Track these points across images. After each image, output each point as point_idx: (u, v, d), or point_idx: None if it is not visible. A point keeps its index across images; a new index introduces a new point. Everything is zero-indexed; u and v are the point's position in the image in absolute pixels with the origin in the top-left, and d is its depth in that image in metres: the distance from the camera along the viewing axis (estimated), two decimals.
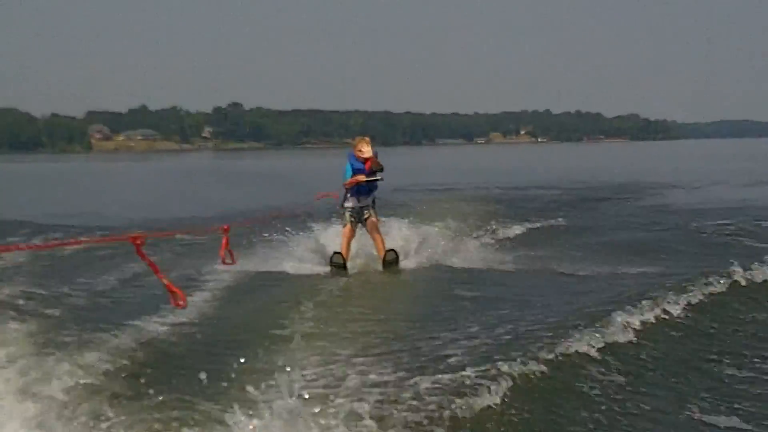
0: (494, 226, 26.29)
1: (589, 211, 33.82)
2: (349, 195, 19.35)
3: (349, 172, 19.05)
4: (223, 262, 15.19)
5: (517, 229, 26.47)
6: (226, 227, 15.01)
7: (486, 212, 30.58)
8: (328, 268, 18.78)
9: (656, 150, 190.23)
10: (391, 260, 18.88)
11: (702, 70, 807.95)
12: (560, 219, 29.91)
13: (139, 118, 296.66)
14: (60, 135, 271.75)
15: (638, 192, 45.07)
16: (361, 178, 18.95)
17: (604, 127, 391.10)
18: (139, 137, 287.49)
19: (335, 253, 18.84)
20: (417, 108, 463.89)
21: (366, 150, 18.97)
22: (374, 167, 18.92)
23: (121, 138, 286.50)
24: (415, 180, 58.38)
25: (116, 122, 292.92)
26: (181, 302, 9.56)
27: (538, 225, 28.04)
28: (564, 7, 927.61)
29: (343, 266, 18.66)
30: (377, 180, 19.16)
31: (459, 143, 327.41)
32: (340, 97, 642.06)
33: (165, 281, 9.50)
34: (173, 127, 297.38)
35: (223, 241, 14.72)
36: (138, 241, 9.14)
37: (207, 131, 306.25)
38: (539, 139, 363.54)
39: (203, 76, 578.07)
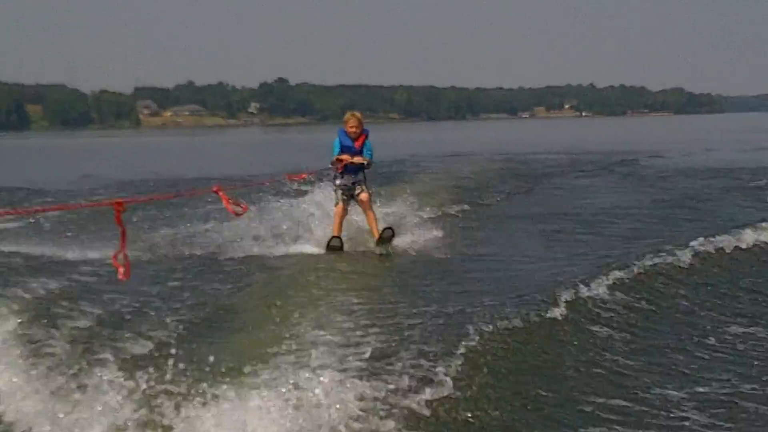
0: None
1: (546, 190, 33.78)
2: (338, 172, 18.88)
3: (337, 149, 18.73)
4: (236, 215, 15.08)
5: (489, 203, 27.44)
6: (215, 188, 14.59)
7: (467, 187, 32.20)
8: (313, 249, 18.39)
9: (693, 123, 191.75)
10: (387, 237, 18.35)
11: (748, 43, 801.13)
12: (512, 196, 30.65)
13: (186, 94, 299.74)
14: (109, 111, 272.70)
15: (632, 162, 48.87)
16: (347, 158, 18.56)
17: (649, 101, 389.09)
18: (187, 113, 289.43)
19: (333, 237, 18.23)
20: (461, 83, 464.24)
21: (355, 126, 18.55)
22: (364, 163, 18.64)
23: (168, 114, 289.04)
24: (433, 150, 61.53)
25: (164, 98, 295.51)
26: (122, 270, 9.52)
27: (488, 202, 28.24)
28: None
29: (341, 248, 18.18)
30: (363, 164, 18.74)
31: (503, 118, 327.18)
32: (384, 72, 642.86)
33: (124, 249, 9.51)
34: (220, 102, 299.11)
35: (222, 198, 14.29)
36: (120, 208, 9.32)
37: (253, 106, 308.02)
38: (583, 114, 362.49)
39: (249, 52, 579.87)
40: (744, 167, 42.10)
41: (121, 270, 9.49)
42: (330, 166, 19.14)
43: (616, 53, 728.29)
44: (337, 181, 18.84)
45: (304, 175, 22.15)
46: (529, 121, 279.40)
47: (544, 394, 9.48)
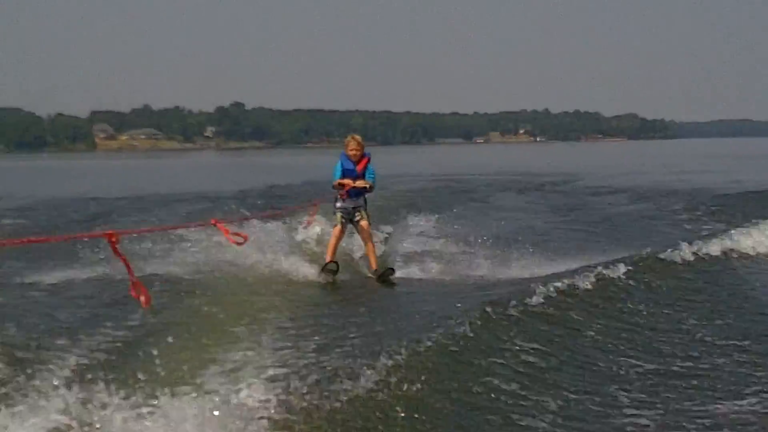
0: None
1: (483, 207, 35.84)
2: (339, 195, 18.65)
3: (338, 172, 18.46)
4: (237, 244, 14.69)
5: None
6: (214, 221, 14.57)
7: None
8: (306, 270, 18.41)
9: (642, 148, 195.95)
10: (387, 276, 18.23)
11: (702, 70, 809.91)
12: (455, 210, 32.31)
13: (142, 118, 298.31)
14: (65, 134, 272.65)
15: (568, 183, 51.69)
16: (349, 182, 18.34)
17: (603, 126, 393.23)
18: (143, 136, 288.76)
19: (329, 262, 17.99)
20: (417, 108, 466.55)
21: (355, 149, 18.39)
22: (366, 186, 18.44)
23: (124, 137, 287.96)
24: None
25: (120, 122, 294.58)
26: (143, 298, 9.55)
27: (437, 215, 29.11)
28: (563, 7, 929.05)
29: (336, 272, 17.95)
30: (365, 188, 18.50)
31: (458, 142, 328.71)
32: (341, 97, 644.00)
33: (134, 278, 9.53)
34: (176, 126, 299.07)
35: (222, 230, 14.11)
36: (113, 239, 9.21)
37: (209, 130, 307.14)
38: (538, 138, 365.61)
39: (205, 76, 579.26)
40: (674, 190, 44.45)
41: (142, 299, 9.57)
42: (333, 189, 18.82)
43: (571, 79, 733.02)
44: (338, 204, 18.65)
45: (313, 214, 22.29)
46: (483, 146, 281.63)
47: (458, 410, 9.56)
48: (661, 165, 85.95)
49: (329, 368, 10.19)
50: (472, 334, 11.70)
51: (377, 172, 18.75)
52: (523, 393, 10.09)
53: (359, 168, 18.38)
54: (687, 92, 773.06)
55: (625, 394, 10.39)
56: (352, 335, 12.33)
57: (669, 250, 18.96)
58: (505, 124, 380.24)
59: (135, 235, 18.11)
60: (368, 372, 9.67)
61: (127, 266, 9.45)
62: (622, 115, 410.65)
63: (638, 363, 11.77)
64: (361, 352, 10.79)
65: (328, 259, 18.18)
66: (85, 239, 19.29)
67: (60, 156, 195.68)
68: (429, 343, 10.86)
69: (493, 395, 9.90)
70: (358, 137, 18.59)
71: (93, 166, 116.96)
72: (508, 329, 12.34)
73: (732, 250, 20.54)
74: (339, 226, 18.51)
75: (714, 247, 20.07)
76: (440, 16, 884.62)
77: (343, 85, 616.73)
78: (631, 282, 16.28)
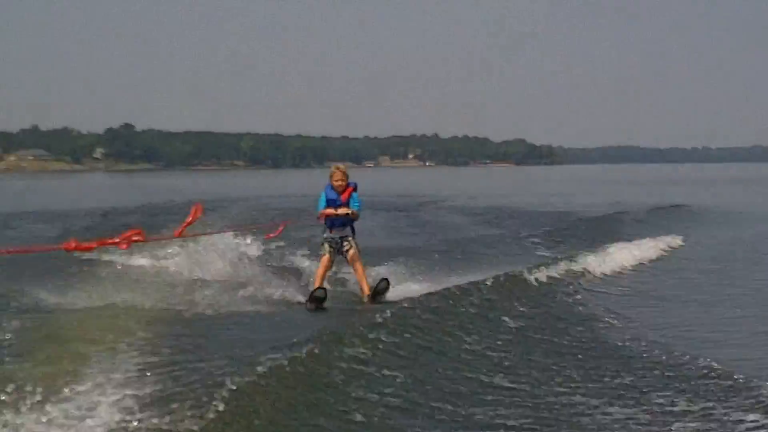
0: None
1: None
2: (326, 226, 18.61)
3: (323, 203, 18.44)
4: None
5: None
6: (177, 234, 14.24)
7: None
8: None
9: (526, 173, 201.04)
10: (382, 289, 18.18)
11: (590, 96, 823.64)
12: None
13: (30, 139, 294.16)
14: None
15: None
16: (331, 211, 18.31)
17: (491, 151, 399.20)
18: (31, 157, 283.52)
19: (317, 288, 17.83)
20: (307, 131, 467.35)
21: (339, 179, 18.30)
22: (350, 214, 18.40)
23: (12, 158, 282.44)
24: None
25: (7, 142, 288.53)
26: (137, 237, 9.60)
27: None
28: (452, 32, 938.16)
29: (324, 299, 17.68)
30: (349, 215, 18.47)
31: (348, 166, 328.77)
32: (231, 119, 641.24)
33: (117, 239, 9.61)
34: (65, 147, 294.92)
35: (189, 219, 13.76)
36: (72, 246, 9.06)
37: (99, 152, 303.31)
38: (427, 163, 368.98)
39: (95, 97, 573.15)
40: (535, 213, 47.75)
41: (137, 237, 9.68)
42: (317, 220, 19.00)
43: (461, 105, 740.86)
44: (325, 234, 18.59)
45: (279, 231, 22.25)
46: (372, 170, 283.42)
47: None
48: (532, 189, 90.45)
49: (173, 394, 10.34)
50: (310, 358, 11.88)
51: (362, 200, 18.75)
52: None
53: (343, 197, 18.33)
54: (575, 119, 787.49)
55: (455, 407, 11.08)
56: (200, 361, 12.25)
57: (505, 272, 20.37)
58: (395, 148, 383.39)
59: None
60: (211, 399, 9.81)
61: (103, 242, 9.46)
62: (510, 141, 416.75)
63: (477, 377, 12.56)
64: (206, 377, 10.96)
65: (315, 285, 18.05)
66: None
67: None
68: (265, 369, 10.90)
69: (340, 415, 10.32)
70: (342, 167, 18.59)
71: None
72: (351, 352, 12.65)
73: (568, 271, 22.59)
74: (327, 256, 18.42)
75: (551, 270, 21.89)
76: (330, 39, 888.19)
77: (233, 107, 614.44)
78: (473, 300, 17.30)
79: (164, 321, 15.54)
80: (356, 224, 18.76)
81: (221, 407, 9.48)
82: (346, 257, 18.62)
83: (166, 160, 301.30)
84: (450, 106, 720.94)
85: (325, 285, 18.27)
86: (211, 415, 9.30)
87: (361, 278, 18.46)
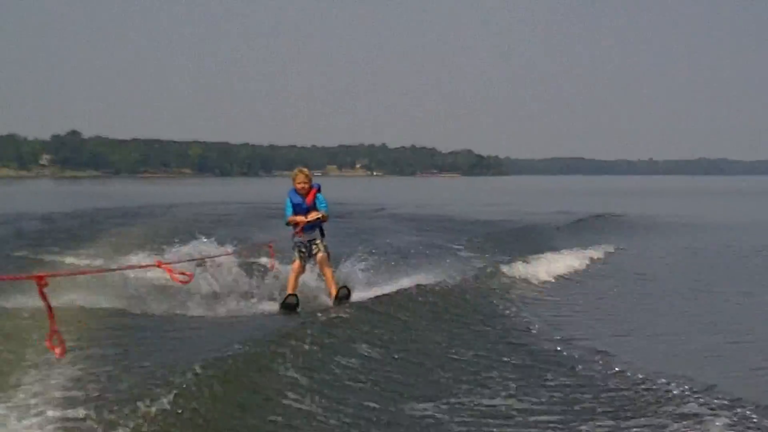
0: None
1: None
2: (293, 230, 18.45)
3: (289, 209, 18.31)
4: (183, 283, 14.71)
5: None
6: (158, 263, 14.37)
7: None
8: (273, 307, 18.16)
9: (471, 183, 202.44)
10: (343, 296, 17.88)
11: (537, 108, 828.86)
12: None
13: None
14: None
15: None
16: (302, 220, 18.13)
17: (438, 161, 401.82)
18: None
19: (289, 294, 17.82)
20: (255, 140, 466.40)
21: (302, 182, 18.18)
22: (320, 217, 18.25)
23: None
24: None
25: None
26: (58, 350, 8.95)
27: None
28: (402, 43, 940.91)
29: (296, 307, 17.64)
30: (320, 219, 18.33)
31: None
32: (178, 127, 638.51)
33: (54, 327, 8.97)
34: (10, 154, 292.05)
35: (167, 270, 13.93)
36: (41, 281, 8.75)
37: (45, 159, 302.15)
38: (374, 173, 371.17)
39: (41, 103, 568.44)
40: (477, 221, 48.84)
41: (57, 351, 9.03)
42: (287, 226, 18.67)
43: (409, 115, 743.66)
44: (295, 239, 18.44)
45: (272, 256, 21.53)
46: (319, 179, 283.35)
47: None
48: (475, 199, 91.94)
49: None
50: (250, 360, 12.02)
51: (328, 200, 18.54)
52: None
53: (308, 200, 18.19)
54: (522, 130, 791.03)
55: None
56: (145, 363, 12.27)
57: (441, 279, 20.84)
58: (343, 157, 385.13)
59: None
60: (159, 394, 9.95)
61: (50, 314, 8.84)
62: (457, 152, 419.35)
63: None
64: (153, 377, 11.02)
65: (288, 292, 17.99)
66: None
67: None
68: (206, 371, 10.90)
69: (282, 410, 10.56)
70: (305, 170, 18.44)
71: None
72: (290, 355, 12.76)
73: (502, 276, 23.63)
74: (298, 261, 18.27)
75: (484, 276, 22.93)
76: (279, 46, 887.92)
77: (181, 114, 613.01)
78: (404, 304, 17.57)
79: (118, 323, 15.61)
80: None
81: (161, 407, 9.59)
82: (315, 261, 18.47)
83: (114, 168, 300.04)
84: (398, 116, 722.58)
85: (298, 290, 18.17)
86: (152, 415, 9.43)
87: (329, 282, 18.23)
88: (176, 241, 23.52)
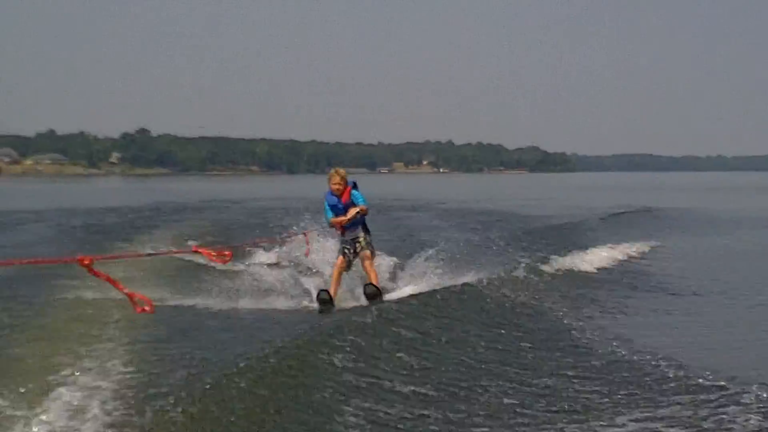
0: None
1: None
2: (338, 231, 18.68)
3: (329, 212, 18.41)
4: (223, 262, 15.08)
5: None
6: (195, 248, 14.58)
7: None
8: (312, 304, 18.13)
9: (537, 180, 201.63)
10: (371, 294, 17.77)
11: (606, 104, 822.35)
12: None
13: (47, 143, 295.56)
14: None
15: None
16: (342, 220, 18.21)
17: (505, 158, 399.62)
18: (48, 161, 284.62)
19: (321, 290, 17.98)
20: (322, 137, 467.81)
21: (337, 183, 18.15)
22: (359, 212, 18.19)
23: (29, 162, 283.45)
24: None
25: (24, 146, 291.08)
26: (147, 307, 9.25)
27: None
28: (466, 39, 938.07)
29: (330, 302, 17.73)
30: (359, 214, 18.26)
31: (362, 172, 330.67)
32: (246, 125, 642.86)
33: (126, 291, 9.21)
34: (81, 152, 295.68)
35: (204, 254, 13.93)
36: (86, 262, 8.85)
37: (115, 156, 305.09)
38: (441, 170, 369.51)
39: (111, 102, 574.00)
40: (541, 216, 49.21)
41: (147, 309, 9.38)
42: (331, 228, 19.17)
43: (476, 112, 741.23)
44: (340, 239, 18.71)
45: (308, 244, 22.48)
46: (386, 176, 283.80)
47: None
48: (543, 195, 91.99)
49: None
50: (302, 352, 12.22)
51: (364, 194, 18.51)
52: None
53: (344, 199, 18.19)
54: (589, 127, 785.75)
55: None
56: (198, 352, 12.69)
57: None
58: (410, 155, 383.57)
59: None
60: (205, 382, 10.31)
61: (114, 283, 9.09)
62: (524, 148, 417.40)
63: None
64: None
65: (332, 288, 18.17)
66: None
67: None
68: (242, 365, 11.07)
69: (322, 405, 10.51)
70: (342, 171, 18.35)
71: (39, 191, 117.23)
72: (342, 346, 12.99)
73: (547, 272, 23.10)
74: (341, 257, 18.37)
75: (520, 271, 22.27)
76: (346, 45, 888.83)
77: (248, 112, 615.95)
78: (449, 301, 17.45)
79: (164, 316, 15.75)
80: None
81: (197, 403, 9.71)
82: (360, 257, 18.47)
83: (182, 165, 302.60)
84: (465, 113, 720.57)
85: (342, 287, 18.42)
86: (188, 410, 9.49)
87: (371, 278, 18.09)
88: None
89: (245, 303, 18.09)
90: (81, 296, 17.40)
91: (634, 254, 29.72)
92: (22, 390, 10.34)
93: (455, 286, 18.86)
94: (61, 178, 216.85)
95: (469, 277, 20.11)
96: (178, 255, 21.19)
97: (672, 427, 10.13)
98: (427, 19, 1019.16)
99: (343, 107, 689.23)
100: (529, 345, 15.02)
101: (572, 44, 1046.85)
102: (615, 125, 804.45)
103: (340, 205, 18.23)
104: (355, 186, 18.38)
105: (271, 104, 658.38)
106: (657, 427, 10.13)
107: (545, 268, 23.61)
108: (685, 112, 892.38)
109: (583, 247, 29.10)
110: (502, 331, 15.87)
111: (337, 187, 18.13)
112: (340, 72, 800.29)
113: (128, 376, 11.35)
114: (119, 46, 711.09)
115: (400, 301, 17.20)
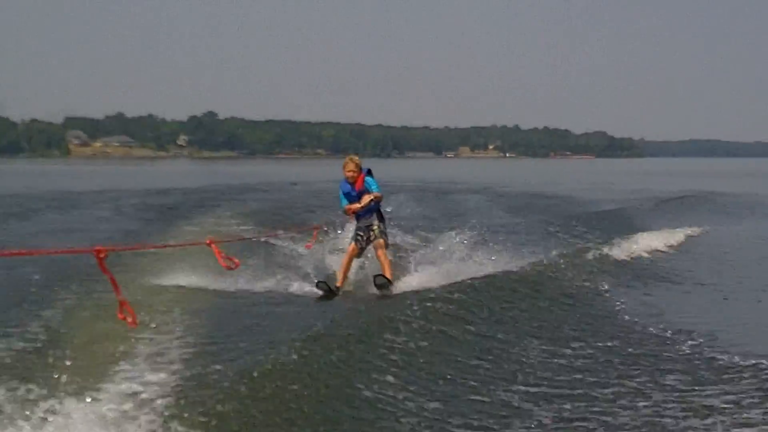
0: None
1: None
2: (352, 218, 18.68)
3: (343, 199, 18.44)
4: (228, 268, 14.59)
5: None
6: (208, 241, 14.23)
7: None
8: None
9: (602, 165, 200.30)
10: (381, 285, 17.63)
11: (674, 89, 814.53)
12: None
13: (115, 125, 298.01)
14: (39, 140, 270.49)
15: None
16: (355, 207, 18.20)
17: (571, 143, 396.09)
18: (116, 144, 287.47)
19: (319, 282, 17.95)
20: (388, 121, 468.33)
21: (351, 170, 18.17)
22: (373, 199, 18.11)
23: (98, 144, 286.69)
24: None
25: (93, 128, 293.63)
26: (129, 319, 9.19)
27: None
28: (534, 25, 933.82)
29: (328, 290, 17.65)
30: (373, 201, 18.22)
31: (428, 156, 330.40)
32: (312, 109, 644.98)
33: (120, 297, 9.17)
34: (149, 134, 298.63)
35: (215, 252, 13.86)
36: (101, 255, 8.80)
37: (182, 139, 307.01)
38: (507, 154, 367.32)
39: (178, 85, 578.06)
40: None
41: (129, 320, 9.24)
42: (345, 215, 19.11)
43: (541, 96, 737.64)
44: (354, 226, 18.74)
45: (314, 236, 22.29)
46: (453, 160, 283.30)
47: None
48: (608, 180, 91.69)
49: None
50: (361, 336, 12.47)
51: (378, 181, 18.50)
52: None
53: (357, 187, 18.19)
54: (658, 112, 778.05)
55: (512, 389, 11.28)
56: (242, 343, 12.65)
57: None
58: (476, 139, 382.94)
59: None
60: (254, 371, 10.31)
61: (114, 285, 8.96)
62: (591, 133, 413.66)
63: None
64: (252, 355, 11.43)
65: (341, 272, 18.36)
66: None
67: (37, 161, 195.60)
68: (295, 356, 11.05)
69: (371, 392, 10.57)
70: (356, 158, 18.39)
71: (107, 172, 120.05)
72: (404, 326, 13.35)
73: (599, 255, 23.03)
74: (353, 244, 18.39)
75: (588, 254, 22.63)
76: (412, 30, 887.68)
77: (315, 96, 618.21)
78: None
79: (215, 303, 16.16)
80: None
81: (246, 392, 9.76)
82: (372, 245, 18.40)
83: (249, 148, 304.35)
84: (531, 98, 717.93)
85: (350, 275, 18.50)
86: (237, 399, 9.57)
87: (384, 268, 17.95)
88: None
89: (296, 289, 18.19)
90: (142, 281, 17.40)
91: (693, 237, 29.79)
92: (78, 375, 10.33)
93: (501, 272, 18.84)
94: (130, 160, 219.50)
95: (518, 262, 20.15)
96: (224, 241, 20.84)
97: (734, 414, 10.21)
98: (491, 2, 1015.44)
99: (409, 91, 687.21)
100: (577, 331, 15.04)
101: (640, 29, 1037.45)
102: (684, 110, 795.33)
103: (354, 193, 18.26)
104: (369, 173, 18.36)
105: (338, 88, 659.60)
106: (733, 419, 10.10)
107: (600, 251, 23.58)
108: (757, 96, 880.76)
109: (642, 229, 29.23)
110: (555, 324, 15.67)
111: (351, 174, 18.20)
112: (406, 55, 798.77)
113: (181, 363, 11.44)
114: (188, 29, 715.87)
115: (446, 287, 16.92)
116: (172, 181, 72.77)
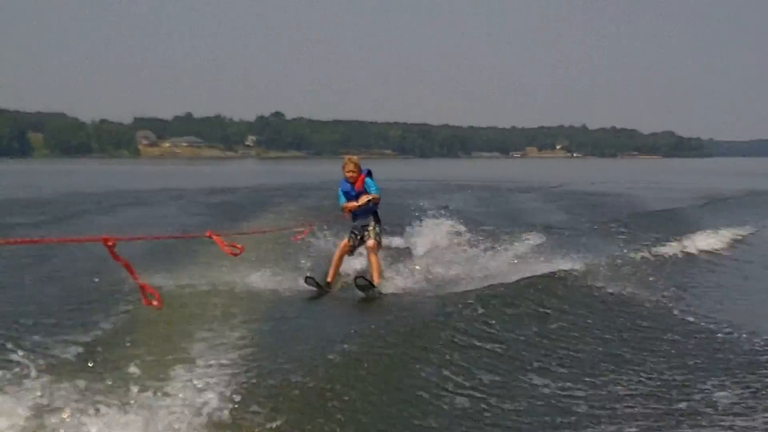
0: None
1: None
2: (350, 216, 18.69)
3: (342, 198, 18.57)
4: (234, 255, 13.54)
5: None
6: (208, 234, 13.25)
7: None
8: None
9: (671, 165, 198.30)
10: (362, 285, 17.56)
11: (743, 89, 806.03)
12: None
13: (184, 126, 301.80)
14: (108, 140, 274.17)
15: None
16: (352, 205, 18.30)
17: (639, 143, 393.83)
18: (185, 144, 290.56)
19: (307, 277, 17.93)
20: (454, 121, 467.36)
21: (351, 170, 18.24)
22: (370, 200, 18.19)
23: (166, 144, 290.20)
24: None
25: (162, 129, 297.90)
26: (155, 302, 9.05)
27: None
28: (604, 26, 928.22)
29: (317, 286, 17.82)
30: (371, 202, 18.30)
31: (495, 156, 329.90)
32: (379, 109, 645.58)
33: (139, 281, 9.07)
34: (217, 134, 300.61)
35: (217, 242, 12.82)
36: (110, 243, 8.66)
37: (250, 139, 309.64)
38: (574, 154, 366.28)
39: (246, 86, 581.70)
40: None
41: (155, 303, 9.11)
42: (343, 213, 18.88)
43: (609, 96, 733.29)
44: (352, 223, 18.69)
45: (306, 232, 21.76)
46: (519, 160, 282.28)
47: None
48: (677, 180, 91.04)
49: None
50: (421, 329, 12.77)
51: (377, 183, 18.52)
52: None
53: (357, 187, 18.30)
54: (726, 111, 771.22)
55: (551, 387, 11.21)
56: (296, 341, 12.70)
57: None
58: (543, 139, 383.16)
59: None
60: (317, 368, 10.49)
61: (130, 271, 8.82)
62: (658, 133, 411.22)
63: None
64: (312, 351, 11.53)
65: (332, 267, 18.38)
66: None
67: (108, 161, 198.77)
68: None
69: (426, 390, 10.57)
70: (354, 159, 18.50)
71: (177, 171, 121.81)
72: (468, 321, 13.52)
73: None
74: (345, 240, 18.53)
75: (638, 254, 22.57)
76: (480, 32, 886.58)
77: (381, 97, 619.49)
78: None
79: (270, 301, 16.25)
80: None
81: (318, 381, 10.02)
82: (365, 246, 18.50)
83: (315, 149, 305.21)
84: (599, 97, 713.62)
85: (340, 271, 18.54)
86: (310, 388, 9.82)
87: (373, 269, 18.03)
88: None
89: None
90: (208, 274, 17.70)
91: (747, 236, 29.52)
92: (147, 364, 10.78)
93: (552, 272, 18.67)
94: (198, 160, 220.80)
95: (568, 262, 19.94)
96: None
97: None
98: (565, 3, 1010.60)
99: (476, 91, 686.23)
100: (633, 333, 14.71)
101: (710, 30, 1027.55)
102: (753, 110, 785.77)
103: (353, 192, 18.34)
104: (369, 174, 18.40)
105: (405, 88, 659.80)
106: None
107: (653, 251, 23.59)
108: None
109: (704, 228, 29.10)
110: (605, 321, 15.50)
111: (350, 174, 18.26)
112: (474, 56, 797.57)
113: (246, 353, 11.75)
114: (256, 30, 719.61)
115: (503, 285, 17.09)
116: (240, 180, 75.01)
